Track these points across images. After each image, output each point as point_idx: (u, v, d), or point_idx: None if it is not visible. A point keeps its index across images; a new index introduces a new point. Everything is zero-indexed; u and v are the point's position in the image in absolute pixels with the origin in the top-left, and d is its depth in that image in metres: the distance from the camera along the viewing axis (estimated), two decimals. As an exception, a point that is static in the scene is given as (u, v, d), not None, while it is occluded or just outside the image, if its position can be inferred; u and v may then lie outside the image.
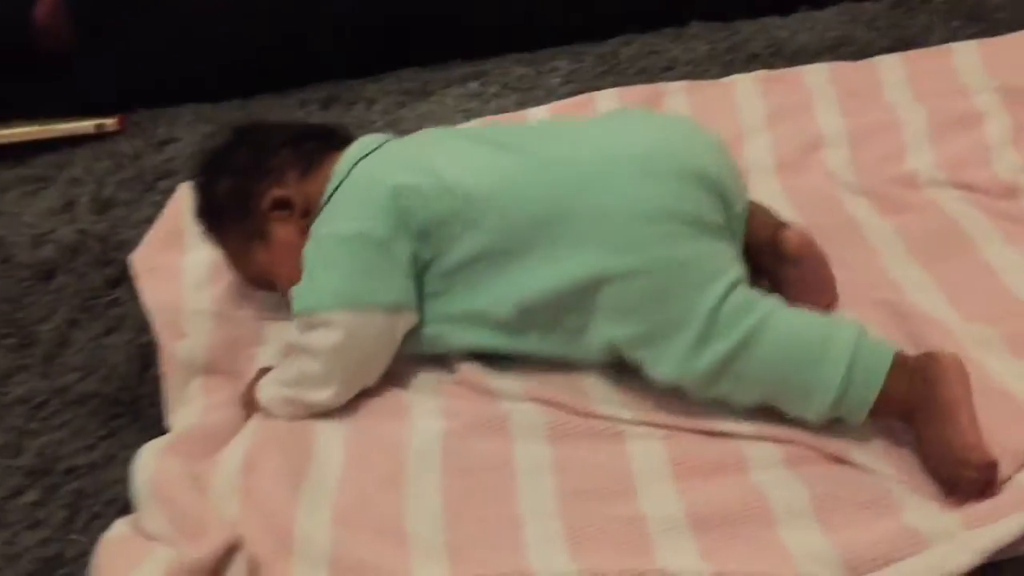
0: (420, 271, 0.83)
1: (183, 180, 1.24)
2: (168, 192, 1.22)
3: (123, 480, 0.81)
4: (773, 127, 1.16)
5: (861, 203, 1.00)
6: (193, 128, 1.40)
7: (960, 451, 0.68)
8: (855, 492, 0.70)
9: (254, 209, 0.91)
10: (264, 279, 0.94)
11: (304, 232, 0.88)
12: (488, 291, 0.81)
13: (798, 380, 0.72)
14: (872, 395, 0.71)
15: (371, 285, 0.82)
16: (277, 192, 0.91)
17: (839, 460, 0.73)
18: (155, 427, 0.87)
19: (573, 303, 0.78)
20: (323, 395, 0.82)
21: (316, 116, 1.40)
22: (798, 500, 0.68)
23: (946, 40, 1.29)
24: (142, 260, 1.07)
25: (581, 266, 0.77)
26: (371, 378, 0.84)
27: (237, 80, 1.47)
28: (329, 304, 0.82)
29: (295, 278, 0.86)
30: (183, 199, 1.14)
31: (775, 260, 0.84)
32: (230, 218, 0.94)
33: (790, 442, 0.74)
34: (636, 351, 0.77)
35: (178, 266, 1.06)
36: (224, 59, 1.47)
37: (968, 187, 0.99)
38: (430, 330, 0.84)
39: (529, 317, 0.80)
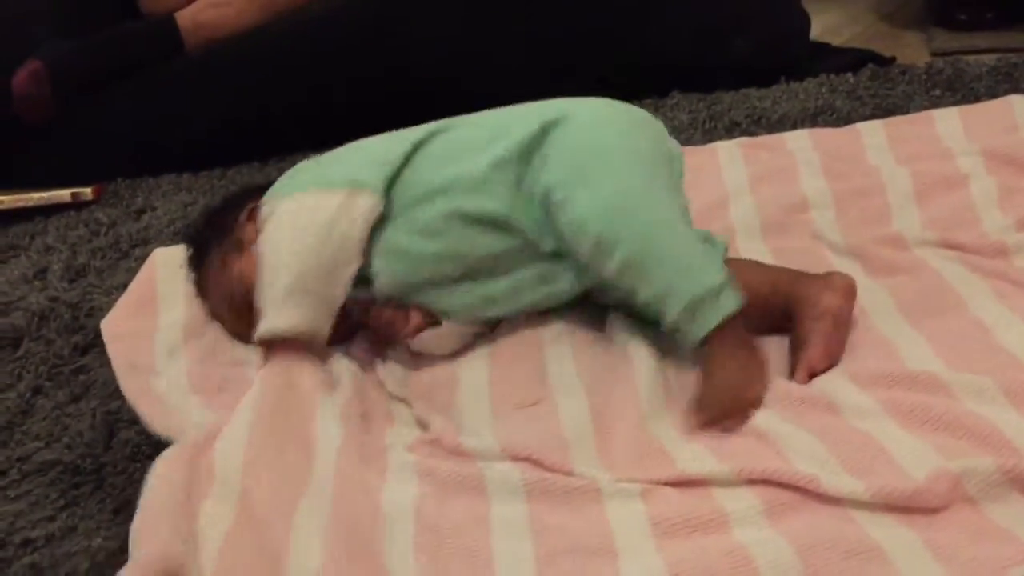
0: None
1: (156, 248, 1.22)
2: (143, 260, 1.19)
3: (82, 552, 0.76)
4: (757, 190, 1.15)
5: (849, 264, 0.98)
6: (171, 198, 1.38)
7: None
8: (838, 539, 0.66)
9: (233, 224, 0.97)
10: (244, 301, 0.92)
11: None
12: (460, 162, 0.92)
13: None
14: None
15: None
16: (252, 204, 0.97)
17: (813, 495, 0.70)
18: (118, 496, 0.82)
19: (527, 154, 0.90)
20: None
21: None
22: (784, 556, 0.64)
23: (927, 108, 1.29)
24: (113, 326, 1.04)
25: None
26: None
27: (218, 150, 1.47)
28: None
29: None
30: (157, 263, 1.12)
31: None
32: (214, 239, 0.99)
33: (765, 482, 0.71)
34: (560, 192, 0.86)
35: (150, 329, 1.03)
36: (205, 129, 1.46)
37: (958, 247, 0.97)
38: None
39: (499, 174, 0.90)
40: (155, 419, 0.86)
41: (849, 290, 0.88)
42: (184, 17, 1.48)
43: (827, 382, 0.83)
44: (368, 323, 0.93)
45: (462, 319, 0.93)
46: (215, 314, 1.01)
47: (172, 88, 1.46)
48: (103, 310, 1.09)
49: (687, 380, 0.87)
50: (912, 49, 1.65)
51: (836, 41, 1.74)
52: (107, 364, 1.01)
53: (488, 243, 0.91)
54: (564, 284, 0.92)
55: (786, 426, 0.77)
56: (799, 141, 1.22)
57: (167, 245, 1.24)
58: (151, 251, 1.20)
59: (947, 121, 1.20)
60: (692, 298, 0.81)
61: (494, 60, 1.46)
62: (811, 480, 0.69)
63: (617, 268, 0.84)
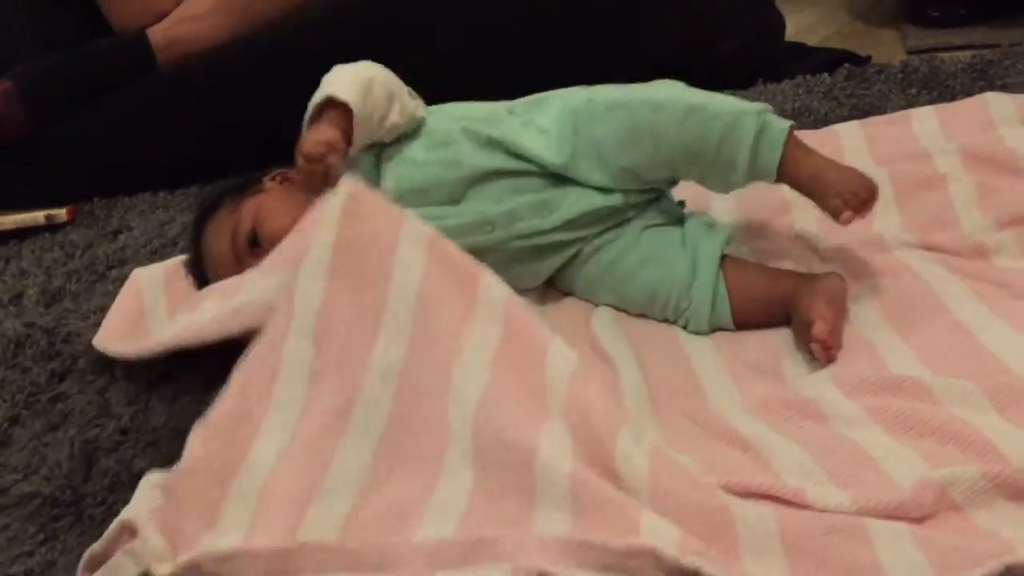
0: None
1: (134, 269, 1.21)
2: (120, 281, 1.18)
3: (62, 587, 0.75)
4: (738, 193, 1.14)
5: (831, 267, 0.98)
6: (147, 217, 1.36)
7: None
8: (820, 515, 0.67)
9: (254, 181, 1.05)
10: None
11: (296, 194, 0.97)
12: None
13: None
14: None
15: None
16: (276, 171, 1.05)
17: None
18: (98, 528, 0.81)
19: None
20: None
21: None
22: (765, 524, 0.65)
23: (903, 107, 1.30)
24: (106, 340, 1.03)
25: None
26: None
27: (194, 167, 1.45)
28: None
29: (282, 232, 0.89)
30: (140, 283, 1.10)
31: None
32: (228, 195, 1.04)
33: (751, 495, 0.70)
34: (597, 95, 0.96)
35: (146, 342, 1.01)
36: (180, 146, 1.45)
37: (938, 248, 0.97)
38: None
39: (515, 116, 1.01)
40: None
41: (842, 284, 0.92)
42: (156, 33, 1.46)
43: (814, 388, 0.82)
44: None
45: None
46: (214, 263, 1.00)
47: (146, 105, 1.45)
48: (80, 335, 1.08)
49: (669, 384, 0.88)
50: (887, 47, 1.65)
51: (811, 41, 1.74)
52: (85, 390, 1.00)
53: (491, 159, 0.96)
54: (563, 211, 0.95)
55: (773, 436, 0.77)
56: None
57: (146, 260, 1.23)
58: (128, 272, 1.19)
59: (924, 120, 1.20)
60: (759, 121, 0.90)
61: (484, 70, 1.44)
62: (797, 493, 0.69)
63: (681, 118, 0.90)
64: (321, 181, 0.88)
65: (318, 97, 0.94)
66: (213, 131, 1.44)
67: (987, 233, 0.98)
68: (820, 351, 0.87)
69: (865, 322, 0.91)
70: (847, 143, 1.20)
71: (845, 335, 0.90)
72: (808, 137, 1.22)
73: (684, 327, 0.96)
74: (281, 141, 1.42)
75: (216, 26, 1.46)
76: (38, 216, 1.35)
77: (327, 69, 1.39)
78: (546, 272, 1.02)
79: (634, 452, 0.69)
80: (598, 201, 0.97)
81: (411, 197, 0.96)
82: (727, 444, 0.77)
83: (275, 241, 0.90)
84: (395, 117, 0.98)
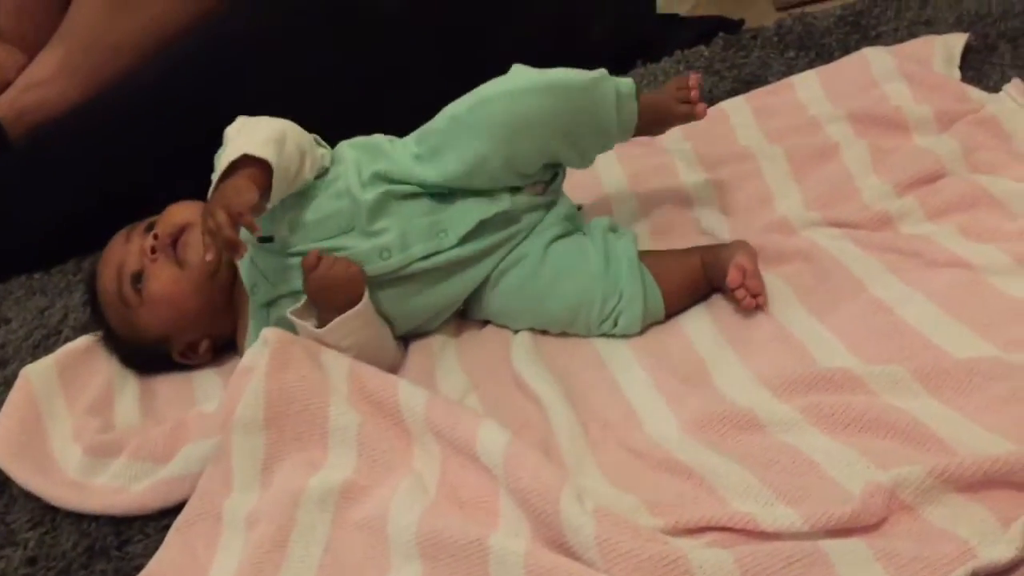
0: None
1: (22, 367, 1.12)
2: (6, 385, 1.09)
3: None
4: (638, 191, 1.13)
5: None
6: (24, 304, 1.27)
7: None
8: (778, 546, 0.65)
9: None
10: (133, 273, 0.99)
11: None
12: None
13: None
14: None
15: None
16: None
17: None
18: None
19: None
20: None
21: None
22: (723, 564, 0.63)
23: (784, 73, 1.29)
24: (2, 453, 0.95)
25: None
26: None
27: (66, 242, 1.36)
28: None
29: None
30: (32, 381, 1.03)
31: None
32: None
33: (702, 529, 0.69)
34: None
35: (46, 455, 0.95)
36: (48, 223, 1.35)
37: (844, 223, 0.97)
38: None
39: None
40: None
41: (750, 246, 0.94)
42: (2, 107, 1.36)
43: (745, 395, 0.81)
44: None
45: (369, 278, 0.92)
46: (104, 297, 1.01)
47: (4, 186, 1.34)
48: (-29, 453, 1.00)
49: (601, 413, 0.85)
50: (758, 8, 1.65)
51: (682, 10, 1.73)
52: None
53: (375, 188, 0.94)
54: (457, 228, 0.93)
55: (714, 458, 0.75)
56: (669, 131, 1.19)
57: (29, 357, 1.15)
58: (14, 372, 1.11)
59: (807, 86, 1.20)
60: (612, 84, 0.95)
61: (345, 105, 1.38)
62: (748, 520, 0.67)
63: (547, 98, 0.91)
64: (230, 250, 0.83)
65: (233, 153, 0.88)
66: (79, 200, 1.35)
67: (889, 200, 0.98)
68: (745, 296, 0.89)
69: (784, 311, 0.90)
70: (736, 120, 1.18)
71: (766, 327, 0.89)
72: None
73: (611, 333, 0.94)
74: (150, 200, 1.37)
75: (65, 89, 1.37)
76: (-97, 324, 1.24)
77: (190, 121, 1.33)
78: (455, 300, 0.98)
79: (580, 518, 0.67)
80: (489, 209, 0.94)
81: (306, 230, 0.93)
82: (669, 474, 0.75)
83: (163, 225, 0.99)
84: (307, 173, 0.94)
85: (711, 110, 1.22)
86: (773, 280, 0.93)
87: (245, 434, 0.82)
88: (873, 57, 1.18)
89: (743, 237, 0.99)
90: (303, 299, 0.92)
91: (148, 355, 1.02)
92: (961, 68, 1.16)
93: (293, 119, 1.00)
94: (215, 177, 0.89)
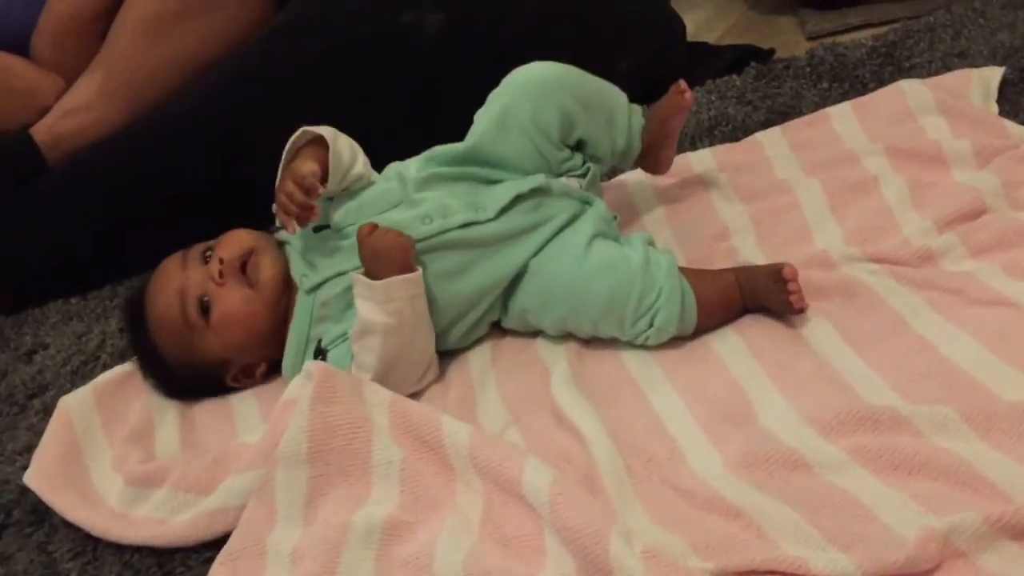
0: None
1: (60, 393, 1.13)
2: (45, 412, 1.10)
3: None
4: (674, 220, 1.13)
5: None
6: (61, 330, 1.28)
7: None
8: None
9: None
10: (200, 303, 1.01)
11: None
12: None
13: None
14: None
15: None
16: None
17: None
18: None
19: None
20: None
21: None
22: None
23: (818, 104, 1.29)
24: (40, 478, 0.96)
25: None
26: None
27: (102, 267, 1.37)
28: None
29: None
30: (71, 413, 1.03)
31: None
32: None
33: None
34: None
35: (87, 485, 0.96)
36: (85, 247, 1.36)
37: (884, 259, 0.96)
38: None
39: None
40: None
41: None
42: (41, 132, 1.37)
43: (791, 434, 0.80)
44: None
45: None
46: (162, 323, 1.01)
47: (41, 209, 1.36)
48: (9, 482, 1.00)
49: (644, 449, 0.85)
50: (788, 36, 1.65)
51: (711, 38, 1.73)
52: (25, 546, 0.93)
53: (427, 167, 1.04)
54: (495, 203, 0.99)
55: (761, 498, 0.74)
56: (703, 162, 1.20)
57: (67, 384, 1.16)
58: (53, 400, 1.12)
59: (843, 118, 1.20)
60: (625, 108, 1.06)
61: (380, 133, 1.39)
62: (800, 565, 0.66)
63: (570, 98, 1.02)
64: (303, 213, 0.95)
65: (294, 137, 1.00)
66: (115, 226, 1.36)
67: (930, 236, 0.97)
68: (798, 290, 0.92)
69: (826, 347, 0.89)
70: (772, 152, 1.18)
71: (808, 362, 0.89)
72: (732, 150, 1.23)
73: (646, 333, 0.94)
74: (187, 225, 1.38)
75: (103, 115, 1.38)
76: (-59, 347, 1.26)
77: (226, 150, 1.35)
78: (494, 284, 0.99)
79: (629, 560, 0.67)
80: (524, 185, 1.00)
81: (358, 211, 1.01)
82: (717, 514, 0.74)
83: (225, 250, 1.01)
84: (360, 167, 1.04)
85: (746, 141, 1.24)
86: (813, 315, 0.93)
87: (289, 468, 0.82)
88: (909, 90, 1.18)
89: (783, 271, 0.99)
90: (347, 281, 0.96)
91: (196, 382, 1.02)
92: (998, 102, 1.16)
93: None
94: (282, 165, 0.99)
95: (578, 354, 0.98)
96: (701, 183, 1.16)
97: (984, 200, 0.98)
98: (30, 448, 1.04)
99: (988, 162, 1.04)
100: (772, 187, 1.11)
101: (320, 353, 0.99)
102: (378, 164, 1.28)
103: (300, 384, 0.87)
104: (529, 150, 1.02)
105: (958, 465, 0.71)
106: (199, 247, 1.03)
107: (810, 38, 1.62)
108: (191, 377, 1.02)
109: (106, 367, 1.16)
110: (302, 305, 1.00)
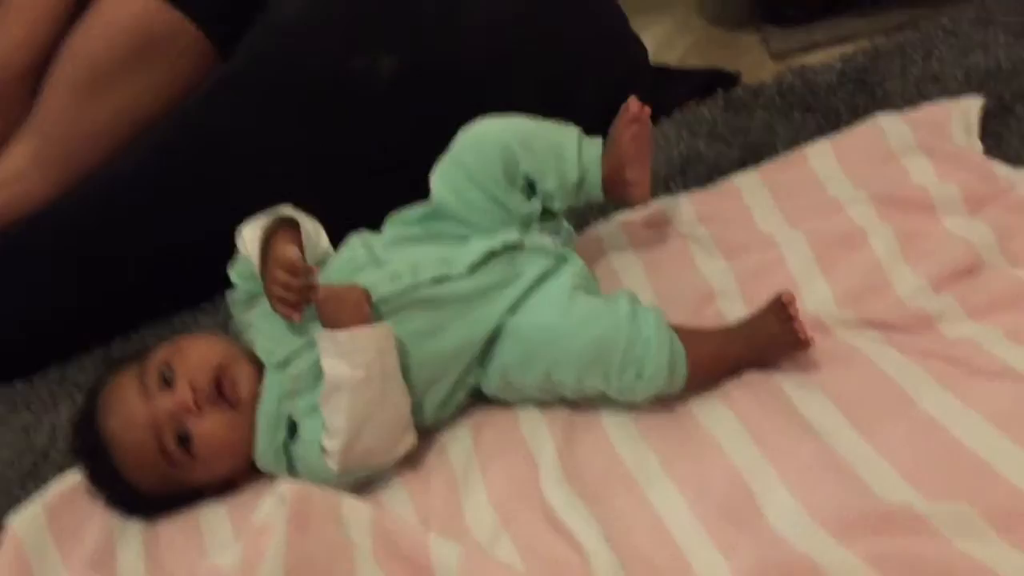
0: None
1: (9, 500, 1.06)
2: (-4, 523, 1.03)
3: None
4: (655, 279, 1.07)
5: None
6: (7, 422, 1.20)
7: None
8: None
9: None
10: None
11: None
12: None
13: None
14: None
15: None
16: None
17: None
18: None
19: None
20: None
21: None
22: None
23: (792, 138, 1.24)
24: None
25: None
26: None
27: (46, 349, 1.28)
28: None
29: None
30: (19, 540, 0.95)
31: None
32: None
33: None
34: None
35: None
36: (22, 329, 1.28)
37: (880, 324, 0.92)
38: None
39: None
40: None
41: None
42: (-30, 206, 1.28)
43: (801, 536, 0.76)
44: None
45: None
46: (131, 459, 0.93)
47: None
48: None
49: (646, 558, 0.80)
50: (752, 55, 1.60)
51: (671, 57, 1.68)
52: None
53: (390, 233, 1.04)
54: (464, 258, 0.96)
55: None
56: (681, 212, 1.15)
57: (18, 488, 1.08)
58: (1, 508, 1.04)
59: (822, 158, 1.15)
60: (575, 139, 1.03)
61: (336, 168, 1.32)
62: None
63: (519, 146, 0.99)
64: (302, 298, 0.91)
65: (262, 221, 0.98)
66: (58, 302, 1.28)
67: (926, 297, 0.93)
68: (801, 327, 0.90)
69: (828, 427, 0.85)
70: (751, 200, 1.13)
71: (811, 446, 0.84)
72: (709, 197, 1.18)
73: (633, 388, 0.90)
74: (131, 299, 1.30)
75: (37, 184, 1.29)
76: None
77: (169, 213, 1.27)
78: (468, 343, 0.95)
79: None
80: (495, 241, 0.97)
81: (324, 278, 0.96)
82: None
83: (192, 372, 0.92)
84: (325, 242, 1.03)
85: (724, 187, 1.18)
86: (812, 390, 0.89)
87: None
88: (888, 127, 1.14)
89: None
90: (316, 352, 0.91)
91: (167, 504, 0.95)
92: (980, 136, 1.12)
93: (275, 203, 1.03)
94: (252, 257, 0.96)
95: (565, 435, 0.93)
96: (680, 236, 1.11)
97: (979, 254, 0.94)
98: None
99: (979, 208, 1.00)
100: (755, 241, 1.07)
101: (292, 429, 0.93)
102: (338, 222, 1.22)
103: (273, 508, 0.80)
104: (482, 201, 1.00)
105: (981, 574, 0.67)
106: (153, 365, 0.93)
107: (775, 56, 1.57)
108: (162, 500, 0.95)
109: (57, 467, 1.09)
110: (271, 382, 0.94)
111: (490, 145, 1.00)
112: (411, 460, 0.95)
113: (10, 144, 1.31)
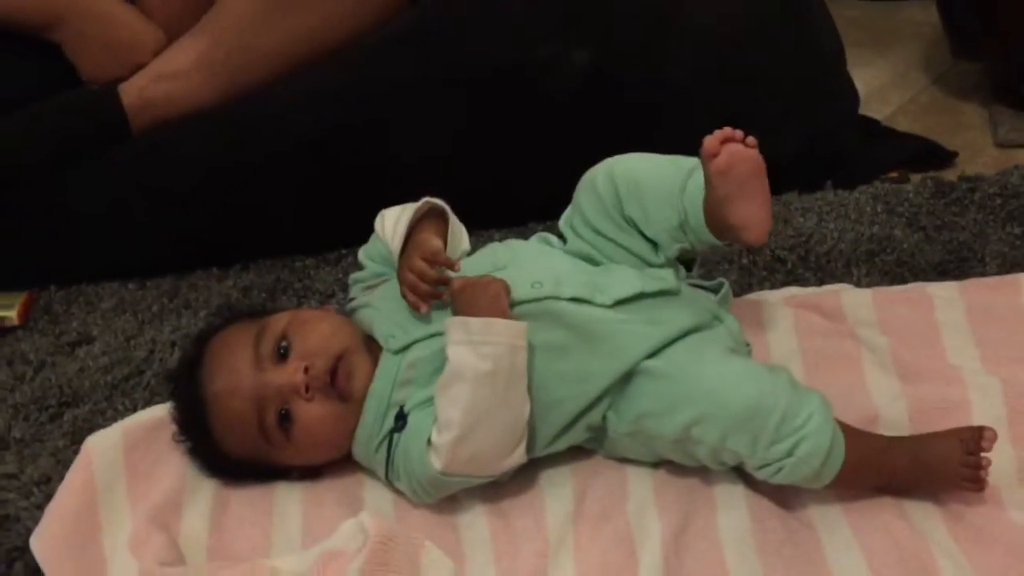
0: None
1: (95, 409, 1.03)
2: (74, 429, 1.00)
3: None
4: (813, 378, 0.94)
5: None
6: (111, 322, 1.17)
7: None
8: None
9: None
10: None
11: None
12: None
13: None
14: None
15: None
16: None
17: None
18: None
19: None
20: None
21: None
22: None
23: (1006, 254, 1.11)
24: (47, 546, 0.85)
25: None
26: None
27: (169, 252, 1.25)
28: None
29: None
30: (93, 458, 0.92)
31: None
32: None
33: None
34: None
35: (98, 565, 0.85)
36: (154, 228, 1.25)
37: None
38: None
39: None
40: None
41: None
42: (130, 93, 1.23)
43: None
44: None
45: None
46: (230, 426, 0.87)
47: (113, 178, 1.23)
48: (20, 520, 0.90)
49: None
50: (973, 134, 1.43)
51: (884, 110, 1.53)
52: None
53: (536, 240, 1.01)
54: (613, 291, 0.90)
55: None
56: (860, 307, 1.02)
57: (104, 399, 1.05)
58: (84, 420, 1.01)
59: (1039, 294, 1.01)
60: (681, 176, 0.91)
61: (494, 159, 1.24)
62: None
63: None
64: (434, 289, 0.87)
65: (413, 206, 0.92)
66: (193, 212, 1.24)
67: None
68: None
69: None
70: (944, 317, 1.00)
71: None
72: (895, 298, 1.05)
73: (777, 468, 0.82)
74: (272, 224, 1.25)
75: (198, 87, 1.24)
76: (-17, 318, 1.16)
77: (325, 147, 1.21)
78: (597, 379, 0.87)
79: None
80: (651, 284, 0.91)
81: (462, 272, 0.90)
82: None
83: (309, 355, 0.86)
84: (466, 244, 0.96)
85: (915, 291, 1.05)
86: (959, 564, 0.77)
87: None
88: None
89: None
90: (440, 342, 0.85)
91: (249, 473, 0.91)
92: None
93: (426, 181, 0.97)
94: (391, 241, 0.90)
95: (675, 532, 0.84)
96: (853, 338, 0.99)
97: None
98: (48, 480, 0.94)
99: None
100: (939, 371, 0.94)
101: (401, 418, 0.87)
102: (482, 216, 1.14)
103: (351, 535, 0.74)
104: (601, 242, 0.95)
105: None
106: (271, 333, 0.88)
107: (1000, 144, 1.41)
108: (246, 468, 0.90)
109: (148, 389, 1.05)
110: (385, 366, 0.89)
111: (601, 187, 0.93)
112: (506, 513, 0.87)
113: (183, 38, 1.26)
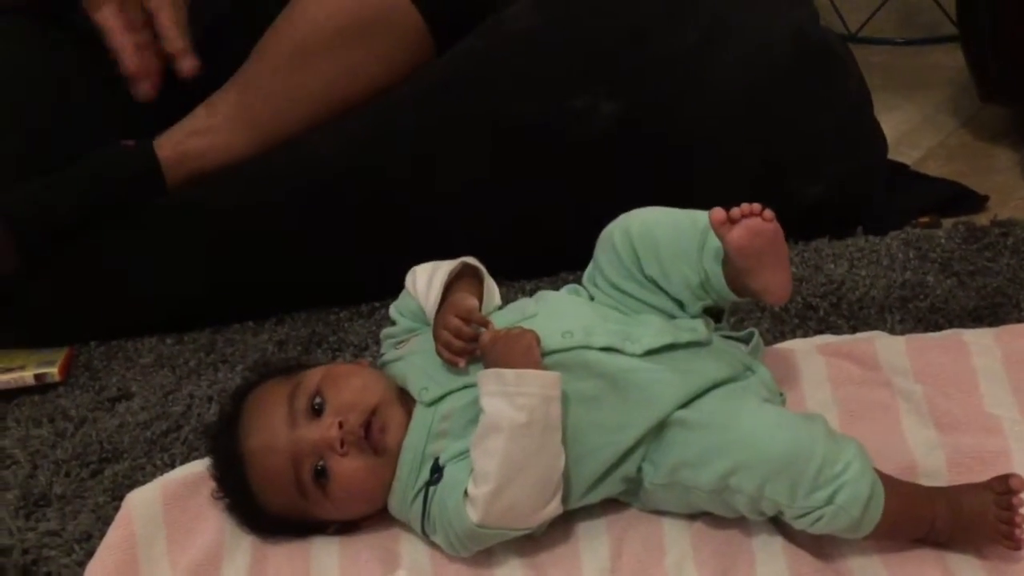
0: None
1: (135, 466, 1.04)
2: (114, 485, 1.01)
3: None
4: (848, 428, 0.93)
5: None
6: (150, 378, 1.19)
7: None
8: None
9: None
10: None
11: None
12: None
13: None
14: None
15: None
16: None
17: None
18: None
19: None
20: None
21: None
22: None
23: (1040, 300, 1.10)
24: None
25: None
26: None
27: (205, 307, 1.27)
28: None
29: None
30: (134, 515, 0.93)
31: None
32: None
33: None
34: None
35: None
36: (190, 283, 1.27)
37: None
38: None
39: None
40: None
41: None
42: (165, 147, 1.26)
43: None
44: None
45: None
46: (266, 483, 0.88)
47: (150, 234, 1.26)
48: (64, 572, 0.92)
49: None
50: (1005, 177, 1.43)
51: (912, 155, 1.53)
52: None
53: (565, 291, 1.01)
54: (645, 341, 0.89)
55: None
56: (894, 355, 1.02)
57: (143, 455, 1.06)
58: (125, 474, 1.03)
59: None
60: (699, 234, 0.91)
61: (523, 209, 1.25)
62: None
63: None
64: (470, 346, 0.88)
65: (448, 265, 0.95)
66: (229, 266, 1.26)
67: None
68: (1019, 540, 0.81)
69: None
70: (979, 363, 0.99)
71: None
72: (929, 346, 1.04)
73: (816, 517, 0.81)
74: (307, 276, 1.27)
75: (231, 140, 1.26)
76: (27, 376, 1.17)
77: (351, 199, 1.23)
78: (629, 431, 0.87)
79: None
80: (681, 335, 0.90)
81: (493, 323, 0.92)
82: None
83: (343, 410, 0.87)
84: (497, 300, 0.99)
85: (949, 338, 1.05)
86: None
87: None
88: None
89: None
90: (473, 394, 0.86)
91: (288, 529, 0.91)
92: None
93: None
94: (426, 299, 0.94)
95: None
96: (888, 387, 0.98)
97: None
98: (89, 537, 0.95)
99: None
100: (977, 420, 0.93)
101: (436, 471, 0.88)
102: (513, 266, 1.14)
103: None
104: (622, 298, 0.95)
105: None
106: (304, 390, 0.89)
107: (1031, 187, 1.41)
108: (284, 523, 0.91)
109: (186, 444, 1.07)
110: (420, 419, 0.89)
111: (619, 245, 0.94)
112: (542, 567, 0.87)
113: (215, 95, 1.29)
